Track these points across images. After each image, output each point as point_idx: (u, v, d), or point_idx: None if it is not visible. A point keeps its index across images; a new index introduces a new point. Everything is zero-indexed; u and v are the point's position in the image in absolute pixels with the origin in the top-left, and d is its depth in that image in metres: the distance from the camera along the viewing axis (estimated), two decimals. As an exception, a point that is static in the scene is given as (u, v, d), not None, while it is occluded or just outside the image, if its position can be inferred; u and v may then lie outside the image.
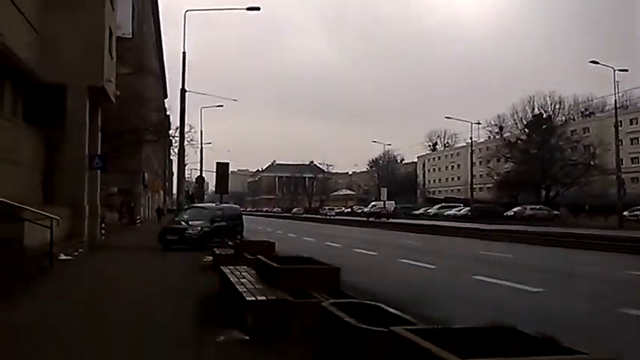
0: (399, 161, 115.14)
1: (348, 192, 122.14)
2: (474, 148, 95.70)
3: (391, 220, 49.68)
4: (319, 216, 71.85)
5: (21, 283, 9.25)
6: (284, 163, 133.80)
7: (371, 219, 55.27)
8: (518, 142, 71.04)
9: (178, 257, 15.73)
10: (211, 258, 14.28)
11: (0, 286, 8.67)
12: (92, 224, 19.46)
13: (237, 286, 6.71)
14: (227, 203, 24.68)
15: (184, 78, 23.95)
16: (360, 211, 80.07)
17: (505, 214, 50.97)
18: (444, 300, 8.96)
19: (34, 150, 17.46)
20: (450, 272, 12.98)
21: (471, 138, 58.96)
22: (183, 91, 23.80)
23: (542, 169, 63.40)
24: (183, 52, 24.07)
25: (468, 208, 56.89)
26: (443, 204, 67.88)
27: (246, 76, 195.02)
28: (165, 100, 58.05)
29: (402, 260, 14.66)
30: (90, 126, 19.15)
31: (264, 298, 5.76)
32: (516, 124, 74.13)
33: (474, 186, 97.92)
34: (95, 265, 13.29)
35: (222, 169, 22.98)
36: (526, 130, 71.18)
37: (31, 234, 12.39)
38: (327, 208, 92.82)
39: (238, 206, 26.85)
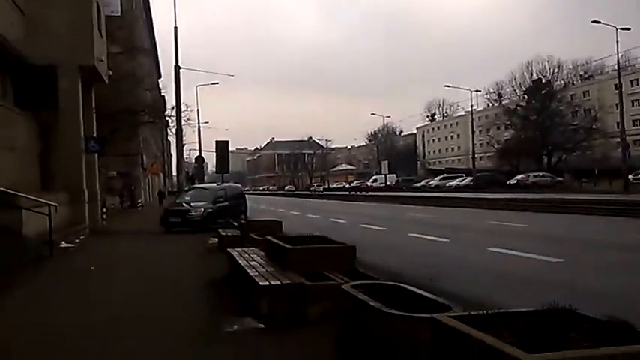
0: (398, 134, 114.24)
1: (349, 167, 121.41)
2: (473, 117, 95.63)
3: (396, 193, 49.29)
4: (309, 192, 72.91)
5: (19, 274, 8.86)
6: (283, 140, 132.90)
7: (352, 193, 59.43)
8: (518, 108, 70.28)
9: (182, 240, 15.35)
10: (216, 240, 13.90)
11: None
12: (93, 209, 19.04)
13: (247, 270, 6.31)
14: (228, 183, 24.20)
15: (177, 54, 23.31)
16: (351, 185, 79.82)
17: (508, 182, 50.59)
18: (464, 274, 8.57)
19: (28, 135, 16.94)
20: (465, 245, 12.60)
21: (471, 106, 58.28)
22: (177, 68, 23.16)
23: (543, 136, 62.86)
24: (175, 27, 23.52)
25: (471, 178, 56.42)
26: (445, 175, 67.33)
27: (241, 52, 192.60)
28: (160, 80, 57.08)
29: (413, 234, 14.26)
30: (84, 108, 18.57)
31: (278, 282, 5.36)
32: (515, 90, 73.28)
33: (475, 155, 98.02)
34: (97, 252, 12.87)
35: (221, 147, 22.44)
36: (525, 96, 70.36)
37: (29, 222, 11.99)
38: (314, 185, 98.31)
39: (240, 185, 26.41)
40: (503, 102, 77.52)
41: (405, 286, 4.55)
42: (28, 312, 6.47)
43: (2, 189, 11.34)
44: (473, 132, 58.80)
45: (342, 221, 20.47)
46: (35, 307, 6.71)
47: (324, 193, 70.49)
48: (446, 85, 58.49)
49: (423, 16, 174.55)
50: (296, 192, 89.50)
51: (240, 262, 7.03)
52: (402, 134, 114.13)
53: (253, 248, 8.50)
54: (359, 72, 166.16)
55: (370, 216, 22.81)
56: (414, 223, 18.91)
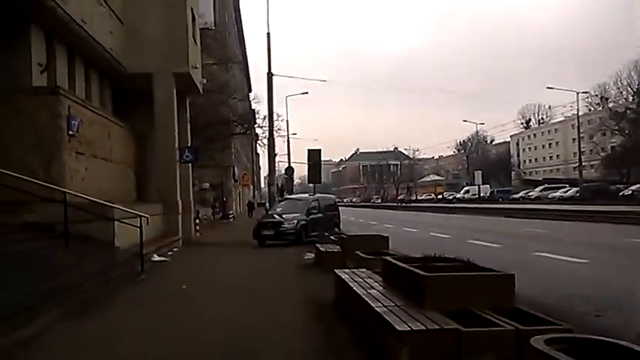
0: (489, 142, 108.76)
1: (437, 177, 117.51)
2: (574, 122, 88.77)
3: (491, 205, 46.18)
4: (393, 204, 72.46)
5: (108, 293, 8.11)
6: (368, 151, 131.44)
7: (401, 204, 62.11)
8: (627, 111, 64.07)
9: (276, 254, 14.39)
10: (313, 255, 12.79)
11: (82, 295, 7.55)
12: (186, 221, 18.65)
13: (369, 303, 4.96)
14: (320, 194, 23.17)
15: (270, 61, 22.68)
16: (451, 197, 76.47)
17: (621, 193, 45.75)
18: (629, 306, 6.74)
19: (124, 145, 16.81)
20: (611, 267, 10.51)
21: (577, 109, 53.63)
22: (269, 75, 22.51)
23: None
24: (268, 34, 22.78)
25: (576, 189, 51.80)
26: (546, 185, 62.55)
27: (326, 63, 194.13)
28: (249, 94, 57.82)
29: (538, 253, 12.31)
30: (178, 117, 18.32)
31: (421, 327, 3.94)
32: (621, 92, 66.99)
33: (576, 164, 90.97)
34: (189, 268, 12.10)
35: (314, 156, 21.46)
36: (635, 97, 64.09)
37: (121, 234, 11.48)
38: (374, 197, 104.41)
39: (334, 196, 25.29)
40: (609, 105, 71.14)
41: (630, 345, 3.03)
42: (108, 340, 5.53)
43: (94, 199, 10.85)
44: (580, 137, 54.13)
45: (445, 236, 18.65)
46: (116, 335, 5.77)
47: (410, 205, 68.30)
48: (548, 87, 53.97)
49: (507, 19, 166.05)
50: (381, 203, 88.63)
51: (356, 290, 5.71)
52: (492, 143, 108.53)
53: (365, 270, 7.16)
54: (444, 81, 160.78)
55: (475, 230, 20.77)
56: (531, 238, 16.74)
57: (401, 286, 5.39)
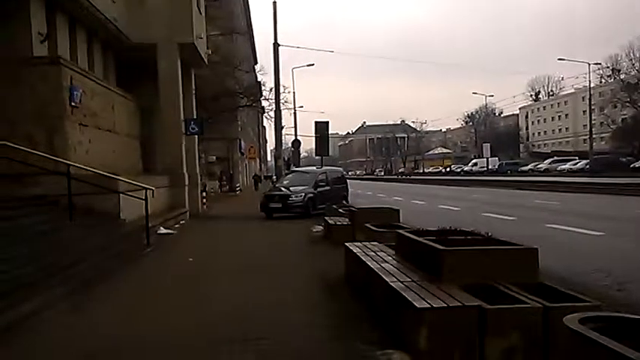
0: (497, 115, 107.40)
1: (444, 150, 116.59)
2: (584, 95, 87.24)
3: (500, 178, 45.78)
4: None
5: (111, 266, 7.95)
6: (374, 124, 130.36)
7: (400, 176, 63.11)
8: (639, 83, 62.81)
9: (284, 227, 14.23)
10: (321, 228, 12.61)
11: (86, 271, 7.39)
12: (193, 193, 18.49)
13: (384, 277, 4.74)
14: (328, 166, 22.86)
15: (276, 31, 22.15)
16: (459, 170, 75.86)
17: (632, 165, 45.13)
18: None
19: (129, 116, 16.55)
20: (626, 240, 10.24)
21: (589, 80, 52.87)
22: (276, 45, 22.01)
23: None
24: (274, 2, 22.18)
25: (586, 161, 51.15)
26: (555, 158, 61.84)
27: (333, 36, 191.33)
28: (255, 66, 57.09)
29: (552, 225, 12.03)
30: (184, 89, 17.96)
31: (442, 304, 3.71)
32: (633, 64, 65.56)
33: (586, 136, 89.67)
34: (195, 240, 11.95)
35: (321, 128, 21.08)
36: (649, 69, 62.85)
37: (127, 207, 11.29)
38: (377, 170, 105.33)
39: (341, 169, 24.98)
40: (621, 77, 69.74)
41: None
42: (109, 321, 5.35)
43: (99, 172, 10.64)
44: (591, 108, 53.30)
45: (456, 208, 18.39)
46: (118, 315, 5.59)
47: (411, 178, 68.11)
48: (559, 59, 52.38)
49: None
50: (384, 176, 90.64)
51: (368, 263, 5.48)
52: (501, 115, 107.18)
53: (376, 244, 6.92)
54: (451, 52, 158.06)
55: (488, 202, 20.46)
56: (545, 210, 16.43)
57: (416, 261, 5.15)
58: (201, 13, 18.78)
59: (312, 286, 6.62)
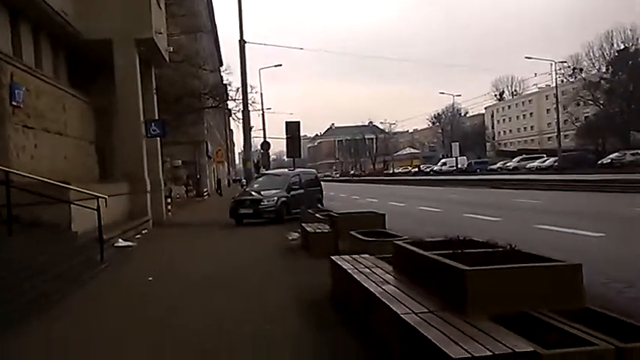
0: (463, 115, 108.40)
1: (413, 150, 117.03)
2: (547, 94, 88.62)
3: (469, 177, 45.61)
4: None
5: (53, 290, 6.72)
6: (343, 125, 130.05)
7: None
8: (602, 82, 63.93)
9: (256, 235, 13.15)
10: (297, 235, 11.57)
11: (23, 296, 6.18)
12: (156, 200, 17.18)
13: (390, 306, 3.74)
14: (300, 168, 21.80)
15: (242, 27, 20.93)
16: (428, 170, 75.86)
17: (600, 162, 45.57)
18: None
19: (83, 118, 15.19)
20: (623, 240, 9.53)
21: (555, 79, 53.30)
22: (242, 42, 20.81)
23: (631, 111, 56.90)
24: (239, -3, 20.91)
25: (554, 159, 51.54)
26: (523, 156, 62.34)
27: (299, 37, 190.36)
28: (221, 68, 55.64)
29: (541, 226, 11.27)
30: (143, 88, 16.67)
31: (485, 352, 2.71)
32: (593, 63, 66.75)
33: (551, 135, 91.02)
34: (157, 253, 10.69)
35: (292, 128, 20.03)
36: (609, 68, 63.94)
37: (79, 218, 10.05)
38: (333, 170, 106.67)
39: (315, 170, 23.94)
40: (583, 76, 70.95)
41: None
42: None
43: (44, 179, 9.36)
44: (558, 105, 53.75)
45: (437, 210, 17.59)
46: (56, 352, 4.44)
47: (384, 178, 68.51)
48: (527, 57, 52.55)
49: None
50: (341, 178, 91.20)
51: (365, 285, 4.48)
52: (467, 115, 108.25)
53: (367, 257, 5.94)
54: (416, 54, 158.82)
55: (467, 203, 19.74)
56: (529, 210, 15.77)
57: (426, 282, 4.17)
58: (160, 8, 17.51)
59: (293, 309, 5.57)
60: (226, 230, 14.72)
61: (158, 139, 18.24)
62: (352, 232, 7.76)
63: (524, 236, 9.81)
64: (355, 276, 4.91)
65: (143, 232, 14.20)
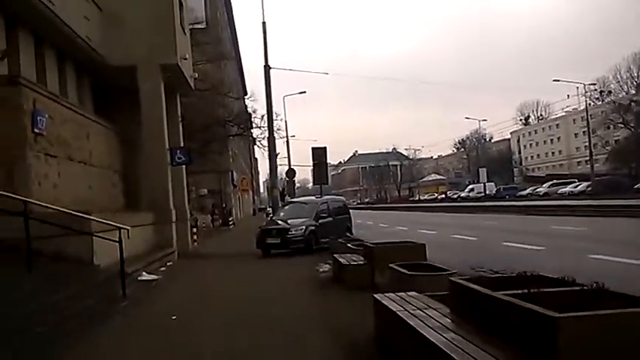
0: (488, 140, 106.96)
1: (438, 177, 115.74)
2: (575, 117, 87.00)
3: (498, 203, 44.36)
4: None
5: (69, 330, 6.17)
6: (366, 152, 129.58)
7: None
8: (632, 104, 62.41)
9: (285, 266, 12.53)
10: (328, 267, 10.92)
11: (35, 337, 5.64)
12: (182, 230, 16.76)
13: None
14: (327, 196, 21.19)
15: (267, 52, 20.72)
16: (455, 196, 74.56)
17: (636, 186, 43.89)
18: None
19: (108, 146, 14.92)
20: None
21: (586, 102, 52.43)
22: (267, 68, 20.56)
23: (664, 133, 55.45)
24: (263, 23, 20.79)
25: (587, 183, 49.97)
26: (554, 181, 60.71)
27: (321, 63, 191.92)
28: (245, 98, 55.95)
29: (594, 256, 10.39)
30: (168, 115, 16.43)
31: None
32: (621, 86, 65.45)
33: (580, 159, 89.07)
34: (183, 288, 10.09)
35: (319, 154, 19.55)
36: (639, 90, 62.59)
37: (102, 250, 9.58)
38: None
39: (343, 198, 23.29)
40: (611, 99, 69.49)
41: None
42: None
43: (65, 210, 8.95)
44: (589, 128, 52.30)
45: (471, 238, 16.73)
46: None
47: (410, 205, 67.24)
48: (555, 80, 51.70)
49: (503, 18, 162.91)
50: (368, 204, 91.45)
51: (423, 332, 3.81)
52: (492, 140, 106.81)
53: (416, 295, 5.26)
54: (437, 82, 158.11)
55: (503, 230, 18.81)
56: (572, 238, 14.82)
57: (498, 329, 3.48)
58: (185, 34, 17.38)
59: (336, 355, 4.90)
60: (253, 260, 14.14)
61: (184, 167, 17.92)
62: (392, 265, 7.06)
63: (578, 267, 9.01)
64: (407, 320, 4.23)
65: (168, 264, 13.69)
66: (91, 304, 7.59)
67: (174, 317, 6.89)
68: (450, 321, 4.13)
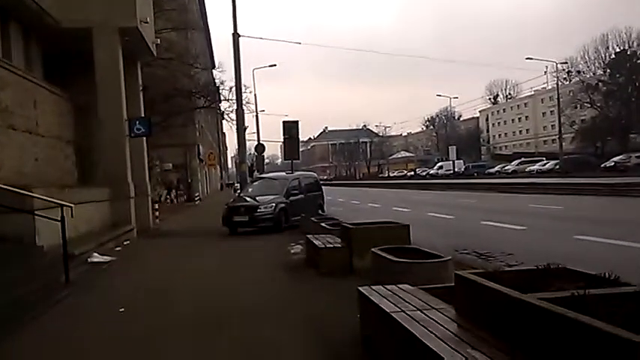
0: (457, 118, 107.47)
1: (407, 154, 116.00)
2: (543, 97, 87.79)
3: (475, 181, 44.13)
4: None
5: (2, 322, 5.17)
6: (337, 129, 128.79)
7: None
8: (599, 84, 63.10)
9: (253, 247, 11.64)
10: (300, 248, 10.09)
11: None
12: (141, 207, 15.63)
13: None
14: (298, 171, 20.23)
15: (236, 19, 19.36)
16: (424, 173, 74.57)
17: (603, 165, 44.35)
18: None
19: (60, 116, 13.58)
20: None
21: (557, 78, 52.75)
22: (235, 36, 19.25)
23: (630, 113, 56.10)
24: (232, -12, 19.39)
25: (555, 162, 50.37)
26: (522, 159, 61.13)
27: (291, 37, 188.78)
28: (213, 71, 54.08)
29: (582, 237, 9.80)
30: (127, 84, 15.14)
31: None
32: (589, 66, 65.97)
33: (547, 138, 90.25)
34: (136, 272, 9.08)
35: (290, 128, 18.53)
36: (607, 70, 63.20)
37: (46, 230, 8.50)
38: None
39: (315, 174, 22.37)
40: (580, 78, 70.09)
41: None
42: None
43: (3, 186, 7.81)
44: (559, 107, 52.56)
45: (449, 217, 16.12)
46: None
47: (382, 182, 67.06)
48: (527, 58, 51.48)
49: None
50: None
51: (433, 347, 2.98)
52: (460, 119, 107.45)
53: (408, 288, 4.44)
54: (406, 59, 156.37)
55: (479, 209, 18.26)
56: (553, 218, 14.27)
57: (536, 346, 2.68)
58: (147, -4, 15.98)
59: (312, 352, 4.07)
60: (219, 241, 13.18)
61: (145, 139, 16.69)
62: (375, 250, 6.24)
63: (567, 250, 8.43)
64: (406, 325, 3.40)
65: (125, 243, 12.64)
66: (29, 291, 6.56)
67: (121, 310, 5.92)
68: (458, 327, 3.32)
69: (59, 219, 7.62)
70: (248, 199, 15.43)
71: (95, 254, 9.83)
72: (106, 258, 9.90)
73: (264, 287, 7.08)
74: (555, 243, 9.55)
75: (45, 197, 8.09)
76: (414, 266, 5.20)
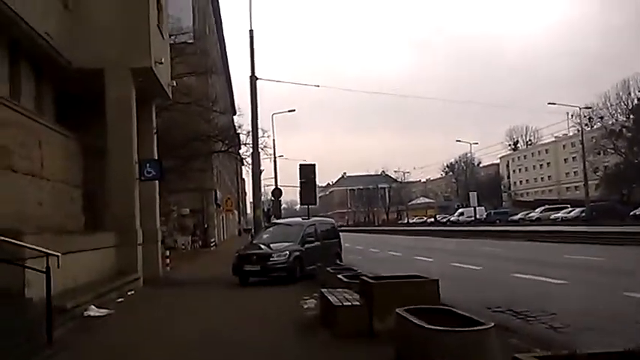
0: (477, 164, 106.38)
1: (427, 200, 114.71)
2: (564, 143, 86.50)
3: (498, 228, 42.76)
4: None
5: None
6: (355, 174, 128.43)
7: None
8: (623, 130, 62.01)
9: (264, 300, 10.73)
10: (314, 303, 9.17)
11: None
12: (150, 254, 14.85)
13: None
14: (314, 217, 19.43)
15: (253, 62, 19.11)
16: (445, 220, 73.12)
17: (632, 213, 42.66)
18: None
19: (67, 158, 13.08)
20: None
21: (580, 124, 51.83)
22: (253, 79, 18.95)
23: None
24: (251, 31, 19.22)
25: (580, 209, 48.75)
26: (546, 206, 59.50)
27: (309, 87, 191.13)
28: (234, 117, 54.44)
29: (631, 294, 8.77)
30: (141, 126, 14.74)
31: None
32: (611, 113, 65.08)
33: (570, 185, 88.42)
34: (135, 331, 8.11)
35: (307, 172, 17.82)
36: (630, 116, 62.25)
37: (38, 280, 7.74)
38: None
39: (332, 220, 21.50)
40: (602, 125, 69.05)
41: None
42: None
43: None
44: (584, 153, 51.33)
45: (474, 267, 15.05)
46: None
47: (401, 229, 65.44)
48: (550, 103, 50.85)
49: (489, 44, 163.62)
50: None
51: None
52: (480, 165, 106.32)
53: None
54: (427, 105, 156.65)
55: (507, 258, 17.27)
56: (594, 270, 13.13)
57: None
58: (163, 37, 15.76)
59: None
60: (229, 291, 12.32)
61: (157, 183, 16.13)
62: (399, 311, 5.34)
63: (617, 309, 7.40)
64: None
65: (129, 293, 11.83)
66: (5, 352, 5.75)
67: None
68: None
69: (44, 270, 6.87)
70: (262, 246, 14.61)
71: (92, 307, 9.03)
72: (103, 311, 9.07)
73: (272, 351, 6.15)
74: (602, 300, 8.52)
75: (29, 245, 7.38)
76: (448, 335, 4.29)
